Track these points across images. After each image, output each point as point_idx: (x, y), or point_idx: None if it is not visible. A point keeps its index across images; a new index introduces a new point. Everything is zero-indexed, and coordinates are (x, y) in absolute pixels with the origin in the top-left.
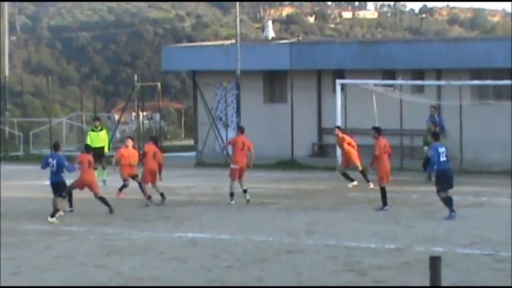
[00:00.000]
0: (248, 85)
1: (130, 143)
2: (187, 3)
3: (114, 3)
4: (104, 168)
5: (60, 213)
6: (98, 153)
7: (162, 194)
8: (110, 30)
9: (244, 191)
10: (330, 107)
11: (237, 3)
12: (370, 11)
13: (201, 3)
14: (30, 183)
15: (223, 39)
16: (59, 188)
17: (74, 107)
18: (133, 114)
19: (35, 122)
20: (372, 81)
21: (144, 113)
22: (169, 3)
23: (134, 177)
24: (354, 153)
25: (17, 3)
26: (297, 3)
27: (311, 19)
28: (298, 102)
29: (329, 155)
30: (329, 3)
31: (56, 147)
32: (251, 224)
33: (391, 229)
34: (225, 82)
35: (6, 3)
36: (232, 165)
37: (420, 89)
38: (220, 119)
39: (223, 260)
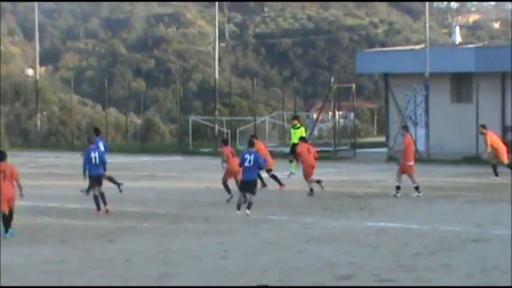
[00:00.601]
0: (436, 86)
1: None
2: (380, 11)
3: (313, 12)
4: (291, 161)
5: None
6: (292, 149)
7: (319, 181)
8: (310, 36)
9: (398, 188)
10: None
11: (427, 10)
12: None
13: (394, 10)
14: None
15: (414, 44)
16: (251, 185)
17: (276, 106)
18: (330, 113)
19: (241, 120)
20: None
21: (340, 112)
22: (364, 11)
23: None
24: (501, 149)
25: (226, 12)
26: (483, 9)
27: (496, 25)
28: (483, 102)
29: None
30: None
31: (251, 143)
32: (439, 215)
33: None
34: (415, 84)
35: (216, 14)
36: (408, 163)
37: None
38: (410, 118)
39: (412, 248)
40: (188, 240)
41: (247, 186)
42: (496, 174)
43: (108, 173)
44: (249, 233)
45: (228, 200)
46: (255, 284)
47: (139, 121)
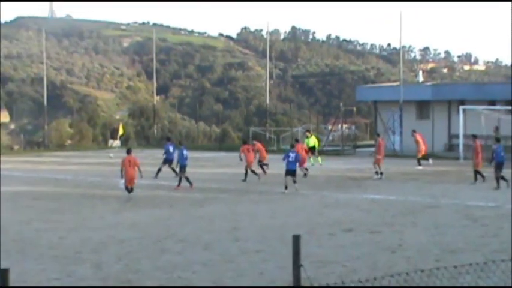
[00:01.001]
0: (407, 109)
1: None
2: (372, 61)
3: (329, 61)
4: (316, 156)
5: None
6: (311, 150)
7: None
8: (326, 77)
9: (380, 173)
10: (456, 121)
11: (401, 61)
12: (480, 65)
13: (380, 61)
14: (279, 165)
15: (393, 82)
16: (293, 172)
17: (305, 121)
18: (339, 125)
19: (282, 130)
20: (481, 107)
21: (346, 125)
22: (361, 61)
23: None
24: (421, 146)
25: (274, 61)
26: (437, 60)
27: (445, 70)
28: (436, 119)
29: (455, 150)
30: (456, 60)
31: (292, 145)
32: (408, 190)
33: (493, 194)
34: (393, 107)
35: (267, 62)
36: (377, 156)
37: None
38: (390, 129)
39: (392, 211)
40: (249, 205)
41: (291, 173)
42: (428, 159)
43: (197, 163)
44: (287, 202)
45: (246, 178)
46: (292, 233)
47: (218, 130)
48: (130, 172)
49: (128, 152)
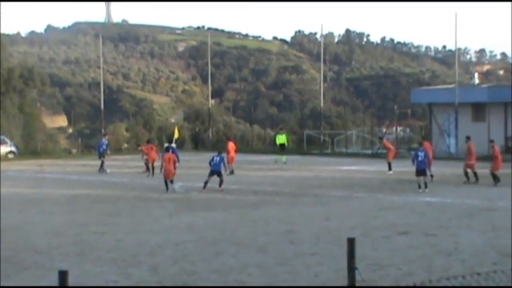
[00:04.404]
0: (462, 111)
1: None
2: (427, 63)
3: (384, 64)
4: (282, 154)
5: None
6: (281, 147)
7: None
8: (381, 79)
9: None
10: None
11: (456, 63)
12: None
13: (435, 63)
14: (334, 167)
15: (448, 84)
16: (424, 172)
17: (359, 124)
18: (394, 128)
19: (337, 133)
20: None
21: (400, 127)
22: (416, 63)
23: None
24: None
25: (328, 64)
26: (493, 62)
27: (501, 72)
28: (492, 121)
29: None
30: None
31: (421, 144)
32: (464, 193)
33: None
34: (448, 109)
35: (321, 65)
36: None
37: None
38: (445, 131)
39: (448, 214)
40: (303, 208)
41: (421, 173)
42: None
43: (252, 166)
44: (342, 204)
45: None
46: (347, 236)
47: (272, 133)
48: (169, 168)
49: (167, 150)
